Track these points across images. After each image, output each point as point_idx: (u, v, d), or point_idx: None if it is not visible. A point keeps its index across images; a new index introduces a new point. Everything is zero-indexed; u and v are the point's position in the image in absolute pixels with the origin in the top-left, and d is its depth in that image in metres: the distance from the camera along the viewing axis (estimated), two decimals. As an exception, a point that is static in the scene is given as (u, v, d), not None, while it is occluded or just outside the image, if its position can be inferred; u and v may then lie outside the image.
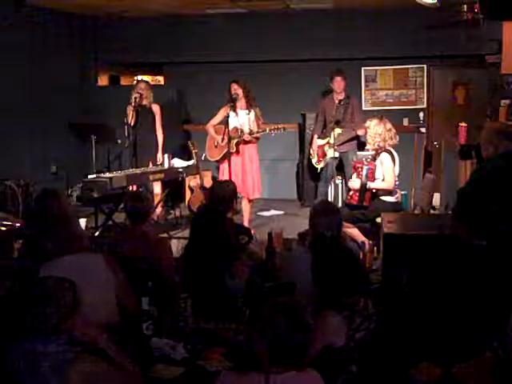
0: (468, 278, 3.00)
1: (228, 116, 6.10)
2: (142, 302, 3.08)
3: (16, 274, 3.38)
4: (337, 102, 6.88)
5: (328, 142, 6.84)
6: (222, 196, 4.41)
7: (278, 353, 2.13)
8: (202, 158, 6.82)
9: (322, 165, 7.00)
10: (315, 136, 7.08)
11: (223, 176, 6.33)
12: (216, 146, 6.47)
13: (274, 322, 2.15)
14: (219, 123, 6.47)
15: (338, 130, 6.73)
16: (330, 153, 6.81)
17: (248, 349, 2.55)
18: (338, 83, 6.87)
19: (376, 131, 5.36)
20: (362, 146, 7.34)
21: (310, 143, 7.30)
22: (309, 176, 7.92)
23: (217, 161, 6.53)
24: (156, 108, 6.93)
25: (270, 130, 6.26)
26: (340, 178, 7.26)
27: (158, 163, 6.75)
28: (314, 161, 7.08)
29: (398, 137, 5.44)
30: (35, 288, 2.34)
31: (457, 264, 3.07)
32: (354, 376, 2.55)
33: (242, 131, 6.22)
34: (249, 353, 2.26)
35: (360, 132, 6.64)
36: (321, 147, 6.94)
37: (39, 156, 7.33)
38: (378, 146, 5.37)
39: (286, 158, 8.48)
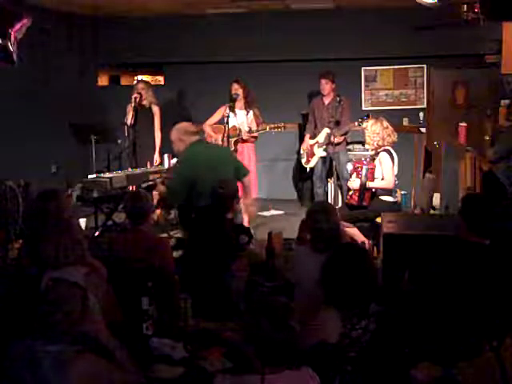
0: (469, 277, 3.00)
1: (228, 116, 6.11)
2: (142, 302, 3.08)
3: (16, 275, 3.38)
4: (326, 103, 6.94)
5: (317, 142, 6.88)
6: (223, 196, 4.41)
7: (268, 354, 2.13)
8: None
9: (311, 165, 7.03)
10: (307, 136, 7.11)
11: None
12: None
13: (259, 323, 2.15)
14: (216, 123, 6.48)
15: (326, 130, 6.75)
16: (319, 152, 6.85)
17: (243, 350, 2.55)
18: (323, 86, 6.92)
19: (374, 130, 5.37)
20: (351, 145, 7.42)
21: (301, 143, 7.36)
22: (308, 176, 7.93)
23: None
24: (156, 109, 6.93)
25: (271, 129, 6.29)
26: (332, 179, 7.32)
27: (155, 164, 6.76)
28: (303, 161, 7.12)
29: (396, 134, 5.44)
30: (47, 291, 2.34)
31: (458, 263, 3.07)
32: (350, 375, 2.55)
33: (240, 130, 6.23)
34: (245, 354, 2.26)
35: (336, 139, 6.68)
36: (311, 147, 6.97)
37: (39, 156, 7.33)
38: (377, 144, 5.38)
39: (286, 158, 8.49)
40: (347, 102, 6.94)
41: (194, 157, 4.77)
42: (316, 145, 6.89)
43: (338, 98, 6.75)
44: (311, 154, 6.98)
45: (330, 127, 6.70)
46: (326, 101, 7.00)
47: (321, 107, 7.04)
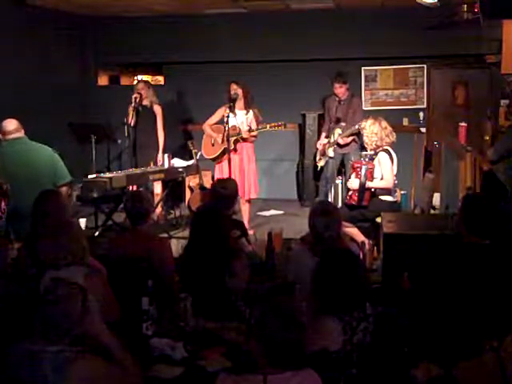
0: (469, 277, 3.00)
1: (228, 116, 6.10)
2: (142, 302, 3.08)
3: (16, 275, 3.37)
4: (337, 101, 6.91)
5: (329, 142, 6.86)
6: (224, 195, 4.41)
7: (275, 354, 2.13)
8: (198, 156, 6.83)
9: (321, 163, 7.02)
10: (323, 134, 7.10)
11: (221, 175, 6.33)
12: (213, 145, 6.47)
13: (268, 322, 2.15)
14: (216, 123, 6.48)
15: (338, 130, 6.74)
16: (329, 152, 6.84)
17: (246, 350, 2.55)
18: (337, 90, 6.86)
19: (372, 130, 5.37)
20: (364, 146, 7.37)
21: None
22: (309, 176, 7.94)
23: (213, 159, 6.52)
24: (158, 109, 6.93)
25: (271, 127, 6.28)
26: (340, 178, 7.26)
27: (159, 164, 6.75)
28: (317, 159, 7.13)
29: (394, 134, 5.44)
30: (47, 292, 2.33)
31: (458, 263, 3.07)
32: (355, 379, 2.54)
33: (240, 129, 6.23)
34: (247, 354, 2.26)
35: (341, 141, 6.66)
36: (324, 146, 6.97)
37: (39, 156, 7.32)
38: (376, 145, 5.38)
39: (286, 158, 8.49)
40: (357, 101, 6.93)
41: (8, 155, 4.68)
42: (328, 144, 6.89)
43: (350, 95, 6.72)
44: (323, 153, 6.99)
45: (339, 127, 6.69)
46: (338, 99, 6.93)
47: (334, 105, 6.98)
